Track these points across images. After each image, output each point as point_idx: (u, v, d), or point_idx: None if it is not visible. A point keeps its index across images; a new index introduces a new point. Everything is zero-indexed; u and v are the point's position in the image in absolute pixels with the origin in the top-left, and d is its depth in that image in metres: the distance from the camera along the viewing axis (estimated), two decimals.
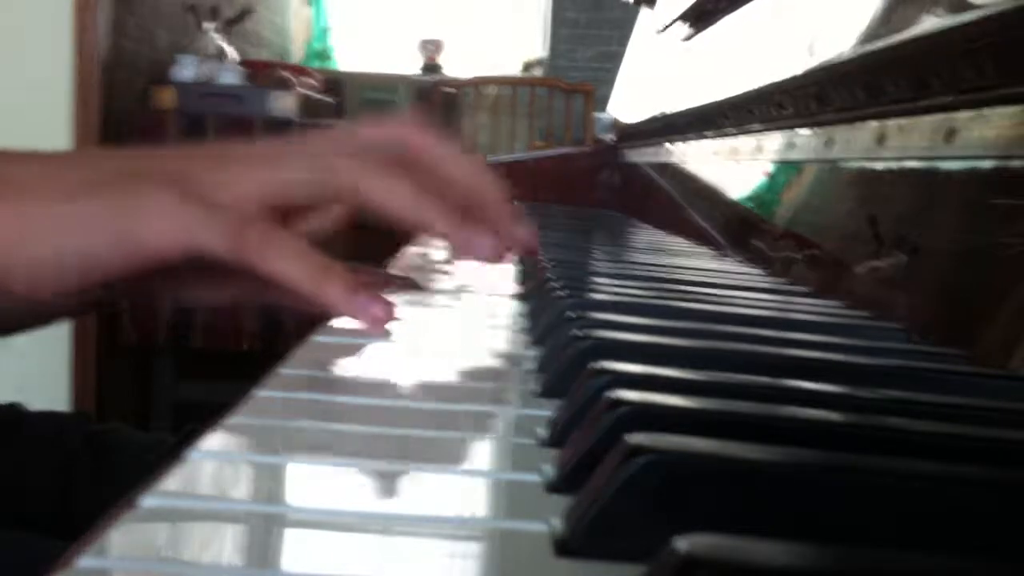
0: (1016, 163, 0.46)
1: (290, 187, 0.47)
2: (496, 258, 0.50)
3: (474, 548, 0.25)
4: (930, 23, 0.53)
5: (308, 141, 0.51)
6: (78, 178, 0.46)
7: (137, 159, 0.49)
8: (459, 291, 0.68)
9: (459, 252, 0.50)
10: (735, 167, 0.96)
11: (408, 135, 0.52)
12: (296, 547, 0.24)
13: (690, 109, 1.15)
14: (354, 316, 0.46)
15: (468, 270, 0.78)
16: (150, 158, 0.49)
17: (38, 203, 0.44)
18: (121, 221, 0.43)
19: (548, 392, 0.38)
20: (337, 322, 0.49)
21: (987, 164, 0.48)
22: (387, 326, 0.47)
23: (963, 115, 0.51)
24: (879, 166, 0.61)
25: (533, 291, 0.61)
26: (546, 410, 0.35)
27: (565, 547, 0.23)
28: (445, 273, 0.77)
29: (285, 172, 0.47)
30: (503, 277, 0.74)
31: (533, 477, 0.29)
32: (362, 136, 0.52)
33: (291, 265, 0.44)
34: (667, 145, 1.31)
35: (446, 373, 0.43)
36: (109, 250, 0.43)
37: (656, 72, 1.56)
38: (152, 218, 0.43)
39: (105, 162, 0.49)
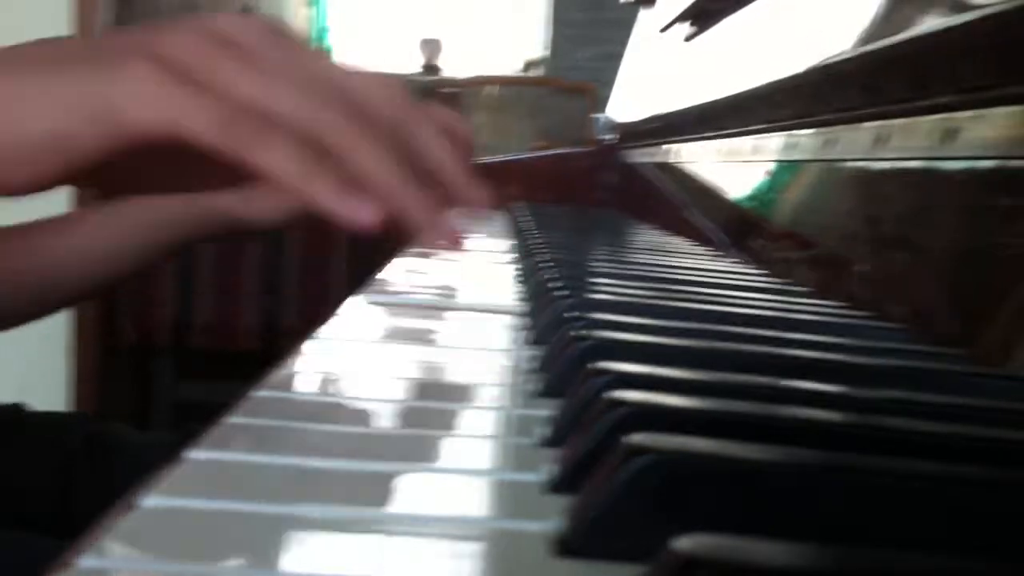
0: (1016, 163, 0.46)
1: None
2: (448, 242, 0.42)
3: (474, 548, 0.25)
4: (930, 23, 0.53)
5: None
6: (46, 54, 0.41)
7: (115, 37, 0.44)
8: (458, 291, 0.68)
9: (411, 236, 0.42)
10: (735, 167, 0.96)
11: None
12: (296, 547, 0.24)
13: (690, 109, 1.15)
14: (346, 217, 0.40)
15: (467, 270, 0.78)
16: (130, 35, 0.44)
17: (8, 79, 0.40)
18: (97, 96, 0.39)
19: (548, 392, 0.38)
20: (336, 324, 0.49)
21: (987, 164, 0.48)
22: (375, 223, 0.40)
23: (963, 115, 0.51)
24: (879, 166, 0.61)
25: (533, 291, 0.61)
26: (546, 410, 0.35)
27: (565, 547, 0.23)
28: (444, 273, 0.77)
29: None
30: (503, 277, 0.74)
31: (533, 477, 0.29)
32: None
33: (283, 160, 0.40)
34: (667, 145, 1.31)
35: (446, 373, 0.43)
36: (84, 129, 0.39)
37: (656, 72, 1.56)
38: (133, 94, 0.39)
39: (77, 42, 0.44)
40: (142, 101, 0.39)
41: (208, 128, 0.39)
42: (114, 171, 0.42)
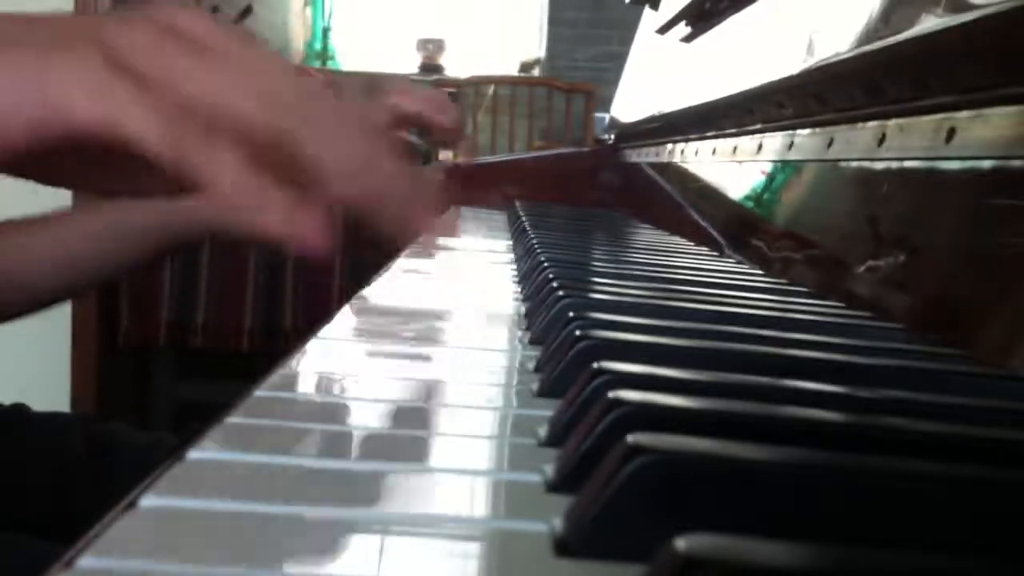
0: (1016, 163, 0.46)
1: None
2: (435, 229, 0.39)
3: (474, 548, 0.25)
4: (930, 23, 0.53)
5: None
6: None
7: (65, 19, 0.41)
8: (459, 292, 0.68)
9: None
10: (735, 167, 0.96)
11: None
12: (296, 547, 0.24)
13: (690, 109, 1.15)
14: (295, 240, 0.38)
15: (467, 270, 0.78)
16: (81, 19, 0.41)
17: None
18: (30, 80, 0.36)
19: (548, 392, 0.38)
20: (336, 324, 0.49)
21: (987, 164, 0.48)
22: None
23: (963, 115, 0.51)
24: (879, 166, 0.61)
25: (533, 291, 0.61)
26: (546, 410, 0.35)
27: (565, 547, 0.23)
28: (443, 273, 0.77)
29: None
30: (502, 277, 0.74)
31: (533, 477, 0.29)
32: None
33: (228, 172, 0.36)
34: (667, 145, 1.31)
35: (446, 373, 0.43)
36: (10, 113, 0.36)
37: (657, 72, 1.56)
38: (71, 81, 0.36)
39: (21, 18, 0.40)
40: (80, 91, 0.36)
41: (148, 131, 0.36)
42: (50, 164, 0.39)
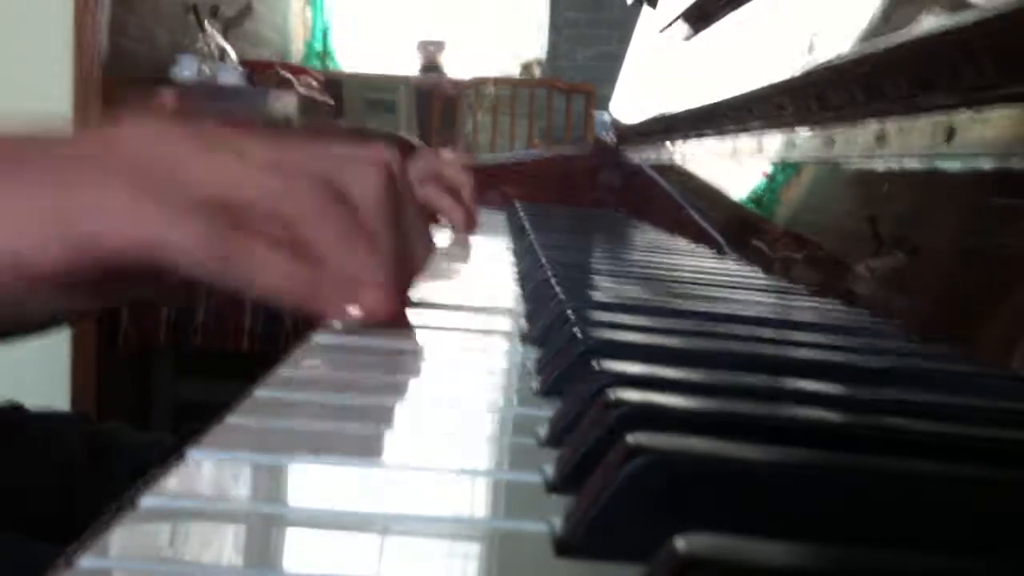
0: (1016, 163, 0.46)
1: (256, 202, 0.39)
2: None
3: (474, 548, 0.25)
4: (930, 23, 0.53)
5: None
6: (13, 153, 0.38)
7: (84, 142, 0.41)
8: (457, 290, 0.68)
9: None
10: (735, 167, 0.96)
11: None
12: (296, 547, 0.24)
13: (690, 109, 1.15)
14: (340, 316, 0.42)
15: (466, 270, 0.78)
16: (99, 139, 0.41)
17: None
18: (67, 214, 0.37)
19: (548, 392, 0.38)
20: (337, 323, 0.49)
21: (987, 164, 0.48)
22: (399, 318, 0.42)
23: (963, 115, 0.51)
24: (879, 166, 0.61)
25: (533, 291, 0.61)
26: (546, 410, 0.35)
27: (565, 547, 0.23)
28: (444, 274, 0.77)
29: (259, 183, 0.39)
30: (503, 276, 0.74)
31: (533, 477, 0.28)
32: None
33: (275, 277, 0.38)
34: (667, 145, 1.31)
35: (446, 372, 0.43)
36: (49, 247, 0.37)
37: (657, 72, 1.56)
38: (107, 212, 0.37)
39: (44, 141, 0.40)
40: (117, 221, 0.37)
41: (191, 248, 0.37)
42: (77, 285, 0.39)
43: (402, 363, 0.44)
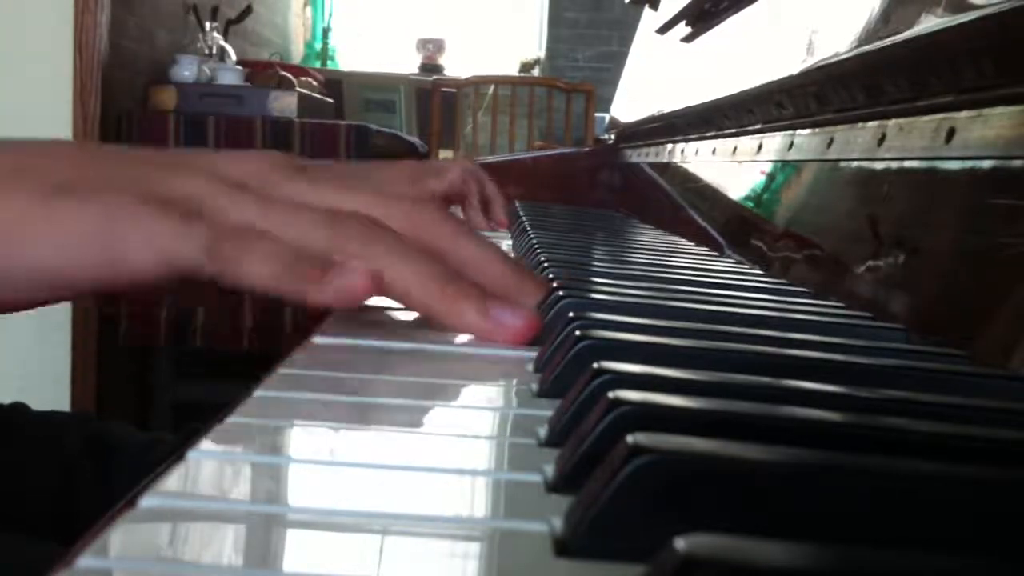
0: (1016, 163, 0.46)
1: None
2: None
3: (474, 548, 0.25)
4: (930, 23, 0.53)
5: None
6: (52, 172, 0.40)
7: (129, 164, 0.44)
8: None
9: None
10: (735, 167, 0.96)
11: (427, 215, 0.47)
12: (296, 547, 0.24)
13: (690, 109, 1.15)
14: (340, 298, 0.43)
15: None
16: (140, 165, 0.44)
17: (12, 202, 0.38)
18: (104, 243, 0.38)
19: (548, 392, 0.38)
20: (336, 323, 0.49)
21: (987, 164, 0.48)
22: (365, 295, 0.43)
23: (963, 115, 0.51)
24: (879, 166, 0.61)
25: None
26: (546, 410, 0.35)
27: (565, 547, 0.23)
28: None
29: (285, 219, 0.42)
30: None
31: (533, 477, 0.28)
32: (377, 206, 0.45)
33: (266, 270, 0.40)
34: (667, 145, 1.31)
35: (446, 372, 0.43)
36: (84, 270, 0.39)
37: (657, 72, 1.56)
38: (140, 244, 0.39)
39: (86, 162, 0.43)
40: (146, 250, 0.39)
41: (198, 256, 0.39)
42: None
43: (401, 363, 0.44)
